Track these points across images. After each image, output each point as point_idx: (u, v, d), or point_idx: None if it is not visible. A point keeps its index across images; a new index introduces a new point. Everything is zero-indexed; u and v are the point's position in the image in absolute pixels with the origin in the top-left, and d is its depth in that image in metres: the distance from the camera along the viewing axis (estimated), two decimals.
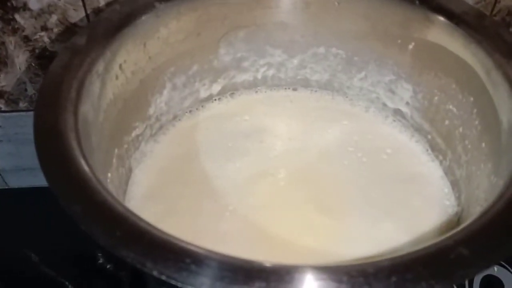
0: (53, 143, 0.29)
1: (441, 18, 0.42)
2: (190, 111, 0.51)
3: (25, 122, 0.58)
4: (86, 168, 0.28)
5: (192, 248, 0.24)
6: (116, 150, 0.41)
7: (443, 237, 0.26)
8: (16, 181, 0.64)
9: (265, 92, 0.55)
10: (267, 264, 0.24)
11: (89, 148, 0.32)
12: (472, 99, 0.42)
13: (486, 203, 0.32)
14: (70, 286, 0.55)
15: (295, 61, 0.53)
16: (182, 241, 0.25)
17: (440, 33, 0.43)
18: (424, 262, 0.24)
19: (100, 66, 0.37)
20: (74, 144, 0.29)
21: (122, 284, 0.55)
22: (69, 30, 0.50)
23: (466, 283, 0.53)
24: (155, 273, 0.23)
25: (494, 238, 0.26)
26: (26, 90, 0.56)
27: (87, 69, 0.35)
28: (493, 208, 0.28)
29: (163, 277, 0.23)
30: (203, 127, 0.50)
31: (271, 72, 0.54)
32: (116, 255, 0.23)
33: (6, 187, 0.65)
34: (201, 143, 0.49)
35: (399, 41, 0.47)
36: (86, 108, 0.34)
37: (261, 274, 0.23)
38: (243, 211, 0.42)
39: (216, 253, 0.24)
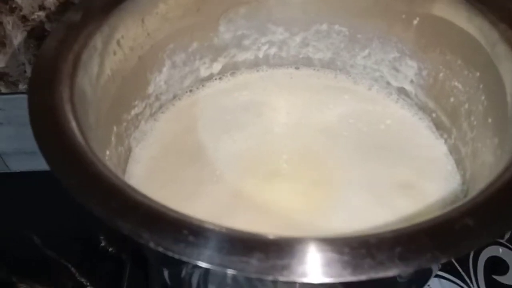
0: (48, 115, 0.29)
1: None
2: (191, 91, 0.51)
3: (25, 104, 0.58)
4: (81, 140, 0.27)
5: (189, 219, 0.24)
6: (114, 128, 0.40)
7: (448, 208, 0.25)
8: (17, 165, 0.64)
9: (267, 71, 0.54)
10: (267, 236, 0.23)
11: (85, 123, 0.31)
12: (478, 74, 0.41)
13: (491, 176, 0.31)
14: (72, 268, 0.55)
15: (297, 39, 0.52)
16: (179, 212, 0.24)
17: (444, 7, 0.42)
18: (428, 233, 0.23)
19: (97, 41, 0.36)
20: (69, 116, 0.29)
21: (124, 266, 0.55)
22: (68, 9, 0.49)
23: (470, 264, 0.52)
24: (151, 244, 0.22)
25: (499, 210, 0.25)
26: (25, 71, 0.55)
27: (84, 43, 0.34)
28: (499, 180, 0.27)
29: (160, 249, 0.22)
30: (202, 103, 0.50)
31: (272, 50, 0.53)
32: (112, 226, 0.23)
33: (8, 171, 0.65)
34: (199, 118, 0.48)
35: (403, 16, 0.46)
36: (83, 82, 0.33)
37: (260, 245, 0.23)
38: (232, 178, 0.42)
39: (214, 224, 0.23)
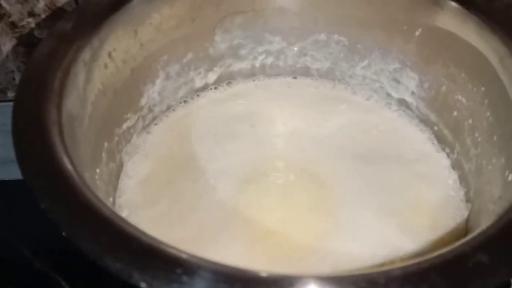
0: (33, 138, 0.27)
1: (452, 3, 0.40)
2: (185, 101, 0.49)
3: None
4: (69, 166, 0.26)
5: (184, 256, 0.22)
6: (105, 144, 0.39)
7: (459, 242, 0.24)
8: (5, 173, 0.62)
9: (263, 80, 0.52)
10: (267, 274, 0.21)
11: (74, 144, 0.29)
12: (483, 89, 0.39)
13: (501, 201, 0.30)
14: (62, 282, 0.53)
15: (295, 49, 0.51)
16: (173, 247, 0.22)
17: (449, 19, 0.40)
18: (440, 270, 0.22)
19: (86, 54, 0.34)
20: (56, 139, 0.27)
21: (115, 279, 0.53)
22: (58, 16, 0.48)
23: None
24: (143, 285, 0.21)
25: None
26: (14, 79, 0.54)
27: (73, 58, 0.33)
28: None
29: None
30: (197, 114, 0.48)
31: (269, 60, 0.51)
32: (100, 264, 0.21)
33: None
34: (193, 128, 0.47)
35: (404, 27, 0.45)
36: (72, 99, 0.31)
37: (261, 286, 0.21)
38: (226, 192, 0.41)
39: (210, 262, 0.22)
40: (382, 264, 0.35)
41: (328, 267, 0.36)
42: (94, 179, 0.34)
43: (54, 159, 0.26)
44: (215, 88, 0.51)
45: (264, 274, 0.21)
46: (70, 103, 0.31)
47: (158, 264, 0.22)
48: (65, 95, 0.31)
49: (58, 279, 0.53)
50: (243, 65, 0.51)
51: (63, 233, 0.23)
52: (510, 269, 0.22)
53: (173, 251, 0.22)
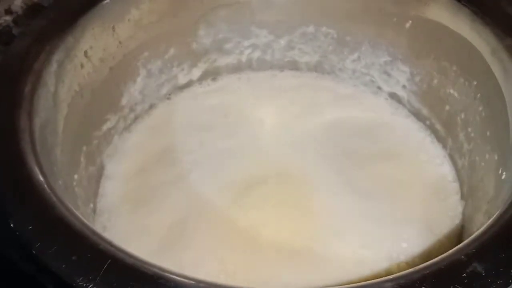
0: (1, 148, 0.25)
1: None
2: (168, 98, 0.48)
3: None
4: (40, 177, 0.24)
5: (162, 274, 0.20)
6: (84, 148, 0.37)
7: (452, 250, 0.22)
8: None
9: (249, 74, 0.51)
10: None
11: (46, 151, 0.28)
12: (475, 83, 0.38)
13: (495, 201, 0.29)
14: (50, 287, 0.52)
15: (282, 42, 0.49)
16: (152, 265, 0.21)
17: (440, 11, 0.39)
18: (433, 282, 0.21)
19: (60, 54, 0.33)
20: (27, 149, 0.25)
21: None
22: (36, 13, 0.46)
23: None
24: None
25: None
26: None
27: (45, 59, 0.31)
28: (507, 213, 0.24)
29: None
30: (180, 110, 0.47)
31: (256, 54, 0.50)
32: (71, 284, 0.20)
33: None
34: (172, 123, 0.46)
35: (394, 19, 0.43)
36: (44, 103, 0.30)
37: None
38: (198, 186, 0.40)
39: (192, 279, 0.20)
40: (379, 274, 0.33)
41: (310, 272, 0.35)
42: (71, 186, 0.33)
43: (23, 170, 0.24)
44: (199, 84, 0.49)
45: None
46: (43, 107, 0.29)
47: (134, 284, 0.20)
48: (37, 99, 0.29)
49: (46, 283, 0.52)
50: (229, 60, 0.49)
51: (34, 251, 0.21)
52: (508, 278, 0.21)
53: (152, 269, 0.21)
